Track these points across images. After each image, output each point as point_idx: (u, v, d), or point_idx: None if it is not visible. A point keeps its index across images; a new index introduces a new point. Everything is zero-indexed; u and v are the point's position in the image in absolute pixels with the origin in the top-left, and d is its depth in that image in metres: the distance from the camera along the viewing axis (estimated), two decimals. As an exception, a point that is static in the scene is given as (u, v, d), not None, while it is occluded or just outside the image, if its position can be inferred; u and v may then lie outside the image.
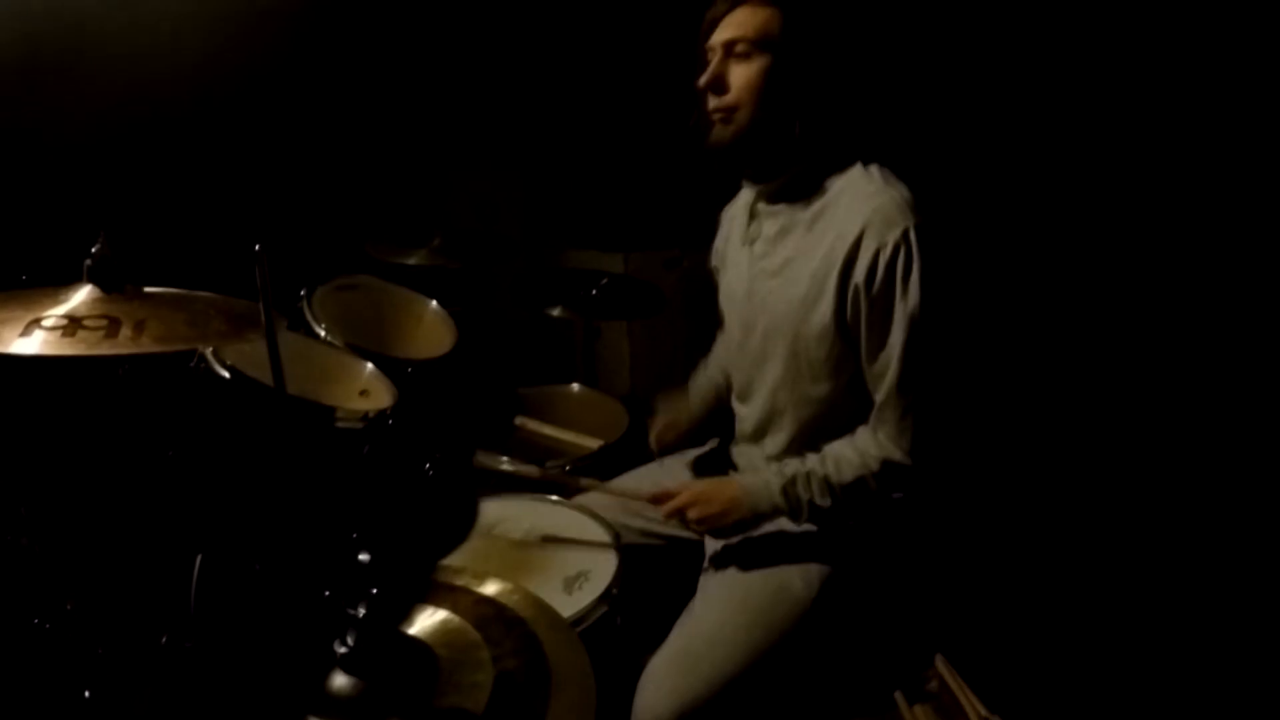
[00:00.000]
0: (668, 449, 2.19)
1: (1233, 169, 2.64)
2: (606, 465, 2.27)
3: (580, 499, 2.02)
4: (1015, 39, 2.91)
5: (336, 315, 2.29)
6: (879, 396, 1.65)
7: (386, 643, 1.15)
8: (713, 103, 1.68)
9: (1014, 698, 1.67)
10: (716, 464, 2.09)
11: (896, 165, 1.71)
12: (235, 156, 2.77)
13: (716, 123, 1.70)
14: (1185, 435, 2.71)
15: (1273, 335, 2.60)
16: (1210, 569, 2.46)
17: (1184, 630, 2.31)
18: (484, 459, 2.03)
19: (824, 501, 1.67)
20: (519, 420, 2.59)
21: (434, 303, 2.63)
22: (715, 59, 1.67)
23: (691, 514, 1.75)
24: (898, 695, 1.69)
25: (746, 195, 1.87)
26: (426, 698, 1.11)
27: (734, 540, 1.83)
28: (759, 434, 1.90)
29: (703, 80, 1.68)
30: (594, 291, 2.87)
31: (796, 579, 1.73)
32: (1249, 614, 2.34)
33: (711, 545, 1.90)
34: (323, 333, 2.19)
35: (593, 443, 2.43)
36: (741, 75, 1.65)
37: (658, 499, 1.81)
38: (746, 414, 1.94)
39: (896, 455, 1.63)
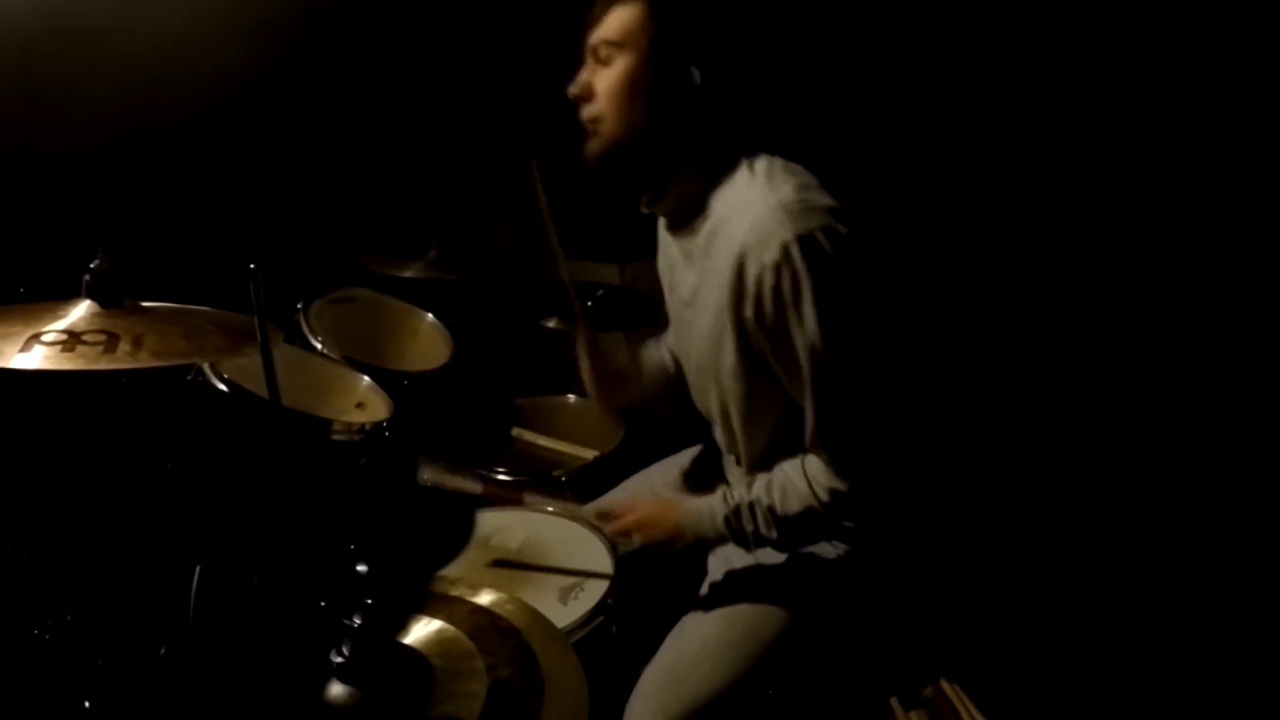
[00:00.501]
0: (603, 385, 2.04)
1: (1221, 157, 2.64)
2: (602, 476, 2.28)
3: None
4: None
5: (333, 328, 2.31)
6: (808, 431, 1.52)
7: (382, 652, 1.16)
8: (583, 112, 1.56)
9: (1011, 706, 1.69)
10: (707, 473, 2.10)
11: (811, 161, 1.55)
12: (230, 169, 2.78)
13: (589, 136, 1.57)
14: (1188, 445, 2.70)
15: (1271, 336, 2.60)
16: (1213, 580, 2.45)
17: (1181, 638, 2.31)
18: (428, 474, 1.98)
19: (769, 533, 1.58)
20: (515, 431, 2.60)
21: (430, 315, 2.65)
22: (585, 67, 1.55)
23: (636, 538, 1.70)
24: (893, 701, 1.70)
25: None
26: (421, 706, 1.12)
27: (730, 552, 1.84)
28: (734, 458, 1.83)
29: (571, 90, 1.56)
30: (590, 303, 2.87)
31: (787, 596, 1.71)
32: (1251, 624, 2.33)
33: (711, 558, 1.91)
34: (319, 345, 2.21)
35: (588, 453, 2.44)
36: (603, 81, 1.52)
37: (604, 516, 1.77)
38: (719, 437, 1.88)
39: (842, 486, 1.50)
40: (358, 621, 1.10)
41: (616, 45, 1.49)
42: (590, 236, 3.98)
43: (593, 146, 1.57)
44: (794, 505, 1.55)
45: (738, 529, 1.60)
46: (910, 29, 2.94)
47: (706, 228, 1.54)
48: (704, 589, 1.83)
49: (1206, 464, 2.64)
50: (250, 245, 2.43)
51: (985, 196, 2.92)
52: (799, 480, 1.55)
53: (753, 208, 1.44)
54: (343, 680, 1.11)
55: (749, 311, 1.45)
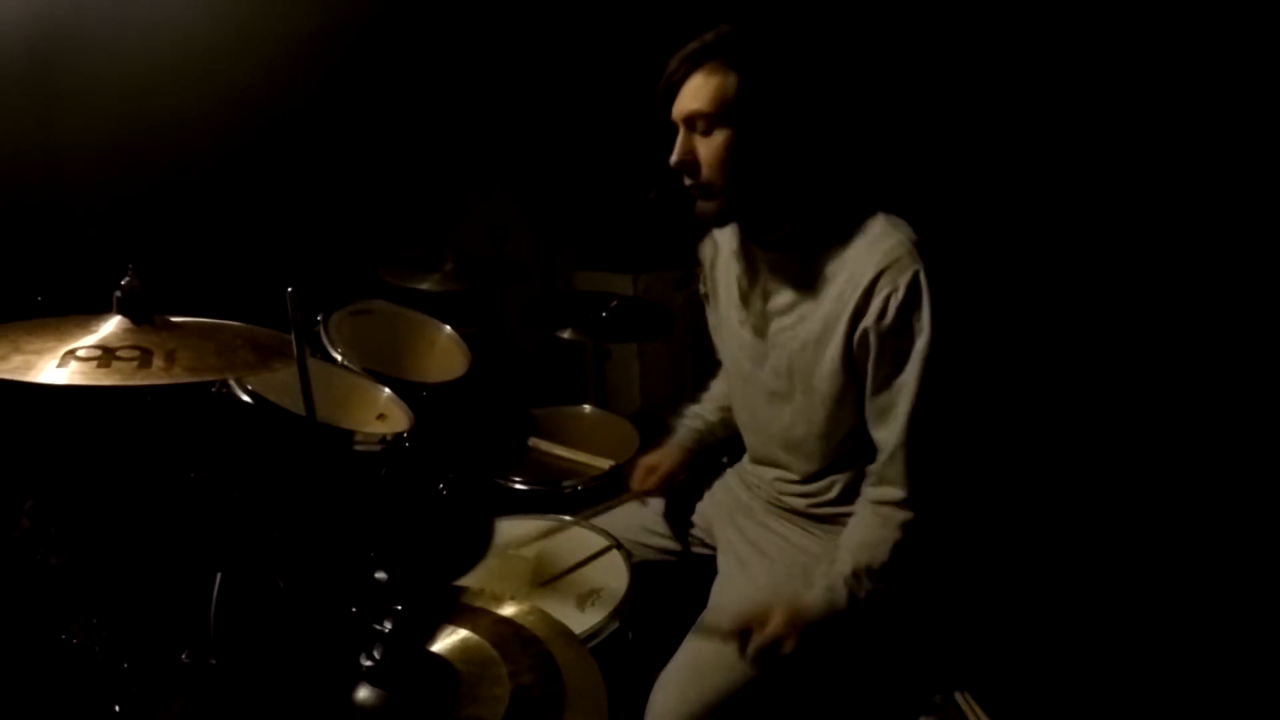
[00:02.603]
0: (649, 493, 2.11)
1: (1223, 166, 2.66)
2: (618, 486, 2.30)
3: (597, 520, 2.08)
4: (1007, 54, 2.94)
5: (352, 340, 2.34)
6: (886, 434, 1.64)
7: (410, 657, 1.19)
8: (687, 180, 1.63)
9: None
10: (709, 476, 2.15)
11: (896, 198, 1.70)
12: (248, 183, 2.82)
13: (697, 197, 1.65)
14: (1198, 457, 2.70)
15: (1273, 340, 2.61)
16: (1224, 588, 2.46)
17: (1196, 648, 2.32)
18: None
19: (878, 585, 1.65)
20: (531, 441, 2.63)
21: (447, 327, 2.68)
22: (681, 135, 1.60)
23: (789, 644, 1.64)
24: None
25: (737, 232, 1.83)
26: (448, 709, 1.16)
27: (745, 555, 1.88)
28: (775, 463, 1.91)
29: (672, 159, 1.61)
30: (604, 313, 2.91)
31: (803, 594, 1.72)
32: (1262, 633, 2.34)
33: (723, 560, 1.94)
34: (339, 357, 2.24)
35: (604, 463, 2.47)
36: (707, 151, 1.58)
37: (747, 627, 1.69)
38: (757, 443, 1.96)
39: (910, 515, 1.64)
40: (388, 626, 1.13)
41: (713, 117, 1.56)
42: (604, 248, 4.03)
43: (706, 208, 1.66)
44: (882, 554, 1.65)
45: (852, 595, 1.65)
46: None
47: (822, 249, 1.66)
48: (717, 587, 1.88)
49: (1218, 474, 2.64)
50: (267, 258, 2.49)
51: (984, 203, 2.96)
52: (875, 529, 1.68)
53: (884, 239, 1.59)
54: (372, 683, 1.14)
55: (871, 320, 1.59)
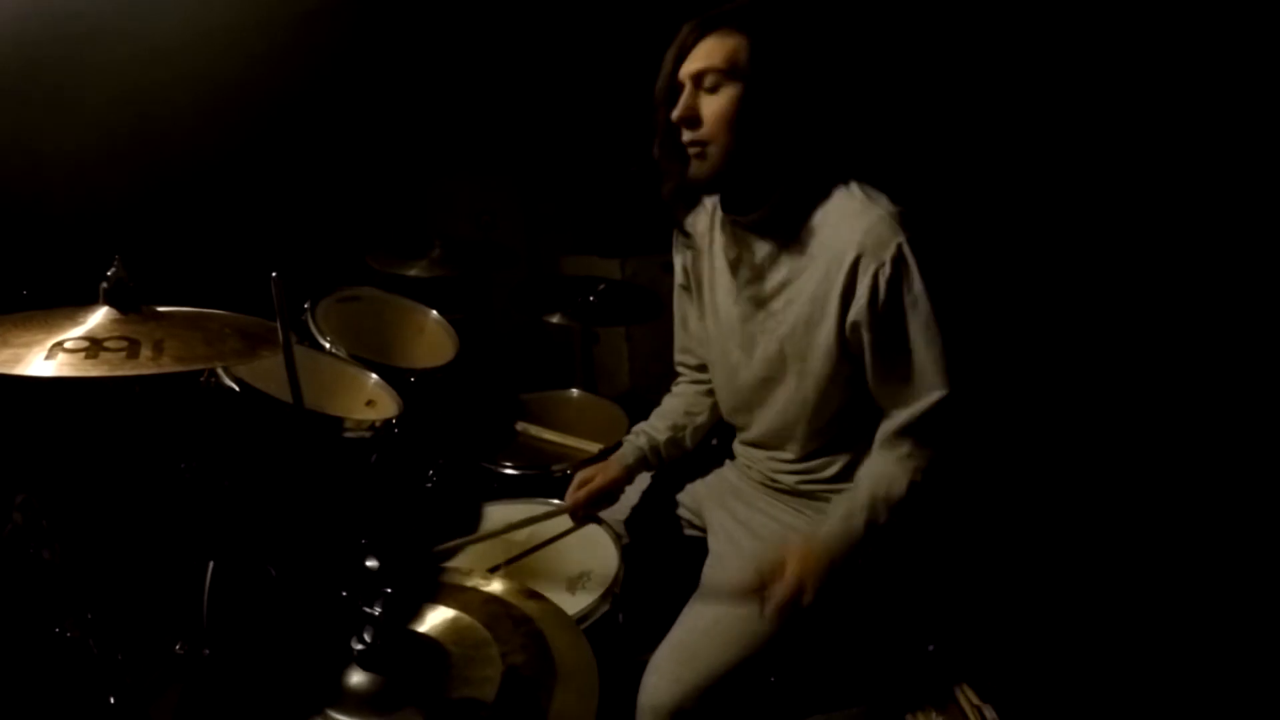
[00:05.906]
0: (580, 507, 2.04)
1: (1226, 169, 2.65)
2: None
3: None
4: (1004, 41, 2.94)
5: (340, 327, 2.35)
6: (897, 402, 1.66)
7: (400, 640, 1.20)
8: (687, 136, 1.63)
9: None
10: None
11: (881, 174, 1.69)
12: (235, 171, 2.81)
13: (692, 158, 1.65)
14: (1197, 448, 2.70)
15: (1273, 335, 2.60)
16: (1234, 587, 2.45)
17: (1196, 639, 2.32)
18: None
19: (888, 518, 1.66)
20: (520, 426, 2.64)
21: (434, 312, 2.68)
22: (686, 92, 1.62)
23: (808, 597, 1.62)
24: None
25: (715, 213, 1.84)
26: (439, 690, 1.17)
27: (736, 535, 1.90)
28: (767, 445, 1.92)
29: (675, 114, 1.62)
30: (592, 298, 2.91)
31: (818, 529, 1.72)
32: (1260, 627, 2.33)
33: (714, 541, 1.95)
34: (328, 345, 2.24)
35: (593, 446, 2.47)
36: (712, 107, 1.60)
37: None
38: (750, 427, 1.95)
39: (925, 463, 1.66)
40: (378, 610, 1.14)
41: (723, 74, 1.58)
42: (592, 233, 4.03)
43: (700, 169, 1.66)
44: (899, 489, 1.66)
45: (870, 523, 1.66)
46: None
47: (803, 227, 1.67)
48: (709, 568, 1.88)
49: (1217, 466, 2.64)
50: (254, 245, 2.48)
51: (982, 199, 2.95)
52: (891, 465, 1.68)
53: (864, 215, 1.60)
54: (363, 667, 1.15)
55: (863, 300, 1.59)
